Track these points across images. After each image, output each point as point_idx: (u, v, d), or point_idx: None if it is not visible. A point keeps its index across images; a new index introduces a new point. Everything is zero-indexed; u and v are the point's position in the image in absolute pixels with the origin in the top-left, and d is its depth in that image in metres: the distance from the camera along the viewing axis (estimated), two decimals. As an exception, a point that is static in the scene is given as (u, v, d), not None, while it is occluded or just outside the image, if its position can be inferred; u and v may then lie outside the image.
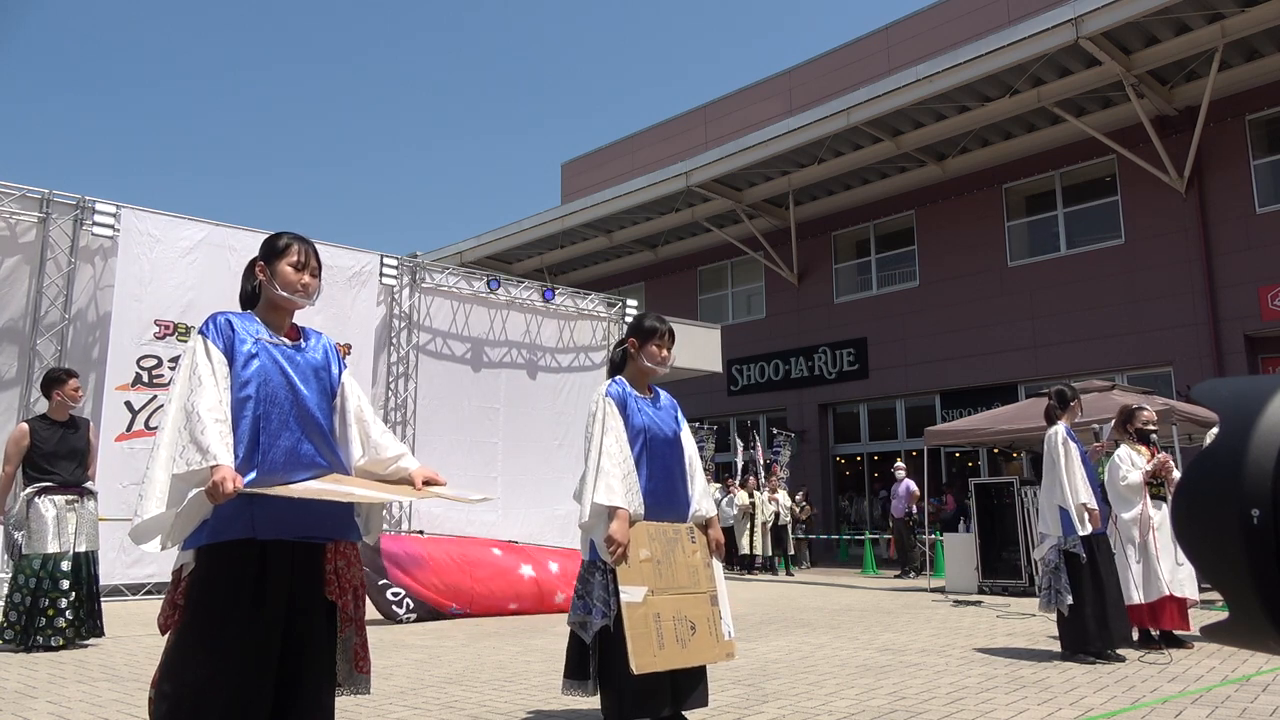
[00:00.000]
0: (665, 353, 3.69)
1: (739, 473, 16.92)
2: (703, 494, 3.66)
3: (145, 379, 9.46)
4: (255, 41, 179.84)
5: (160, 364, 9.52)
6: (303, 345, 2.73)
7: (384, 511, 3.29)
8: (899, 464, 15.08)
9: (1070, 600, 5.58)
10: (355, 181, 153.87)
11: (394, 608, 7.75)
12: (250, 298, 2.75)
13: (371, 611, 6.39)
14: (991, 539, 10.83)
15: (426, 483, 2.71)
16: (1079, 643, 5.56)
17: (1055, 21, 13.57)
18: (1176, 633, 6.03)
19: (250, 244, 9.20)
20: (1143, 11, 12.85)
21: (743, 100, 21.90)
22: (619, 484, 3.33)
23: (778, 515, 15.42)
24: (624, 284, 23.21)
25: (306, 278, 2.72)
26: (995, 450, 15.10)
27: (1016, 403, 12.85)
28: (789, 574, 14.98)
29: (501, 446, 12.41)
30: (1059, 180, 16.53)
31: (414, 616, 7.79)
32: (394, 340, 11.91)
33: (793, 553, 15.73)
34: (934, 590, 11.16)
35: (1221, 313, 14.26)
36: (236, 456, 2.44)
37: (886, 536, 16.52)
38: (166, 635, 2.47)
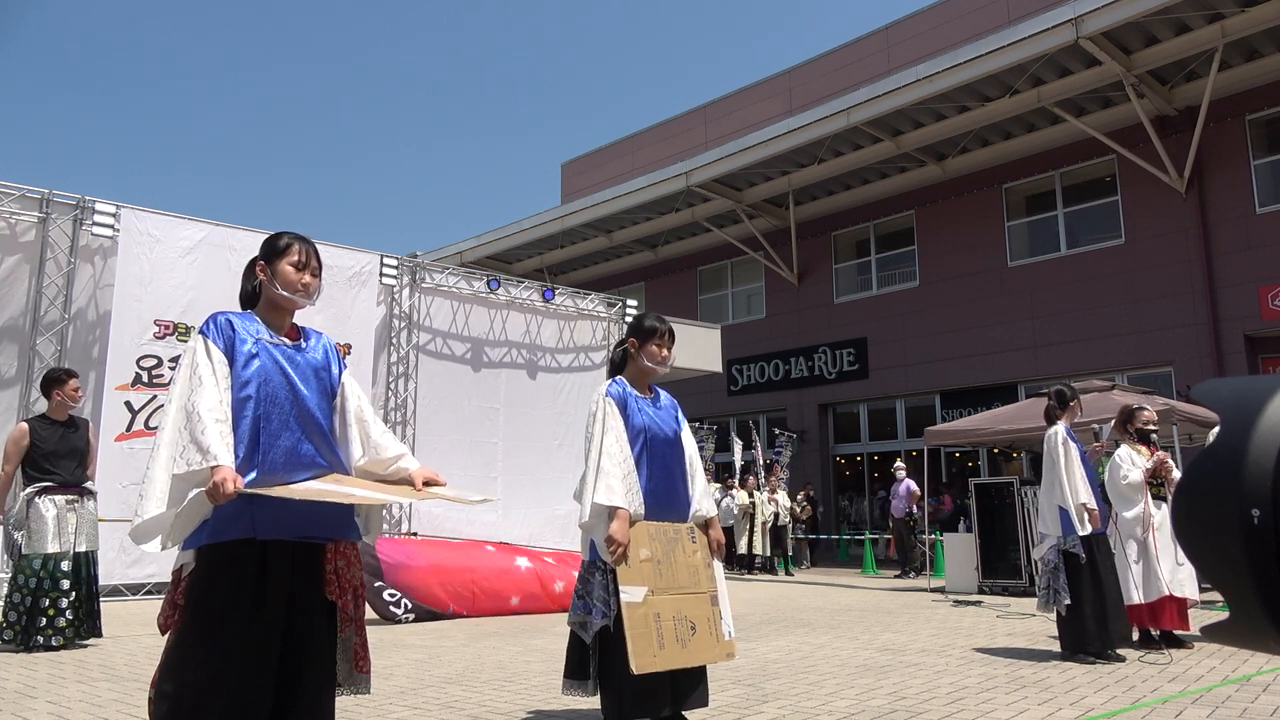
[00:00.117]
0: (665, 352, 3.69)
1: (737, 473, 16.92)
2: (703, 494, 3.66)
3: (145, 379, 9.46)
4: (255, 41, 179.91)
5: (160, 364, 9.52)
6: (303, 345, 2.73)
7: (384, 512, 3.29)
8: (899, 464, 15.09)
9: (1068, 600, 5.58)
10: (355, 181, 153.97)
11: (391, 608, 7.75)
12: (250, 297, 2.75)
13: (369, 613, 6.38)
14: (991, 539, 10.83)
15: (427, 483, 2.71)
16: (1079, 643, 5.56)
17: (1055, 21, 13.57)
18: (1176, 633, 6.03)
19: (250, 244, 9.20)
20: (1143, 11, 12.85)
21: (743, 100, 21.90)
22: (619, 484, 3.33)
23: (777, 515, 15.43)
24: (624, 284, 23.21)
25: (307, 277, 2.72)
26: (995, 450, 15.10)
27: (1016, 403, 12.85)
28: (787, 574, 14.98)
29: (501, 446, 12.41)
30: (1059, 180, 16.53)
31: (412, 617, 7.79)
32: (394, 340, 11.91)
33: (791, 553, 15.73)
34: (934, 590, 11.16)
35: (1221, 313, 14.26)
36: (237, 456, 2.44)
37: (886, 537, 16.52)
38: (166, 635, 2.47)
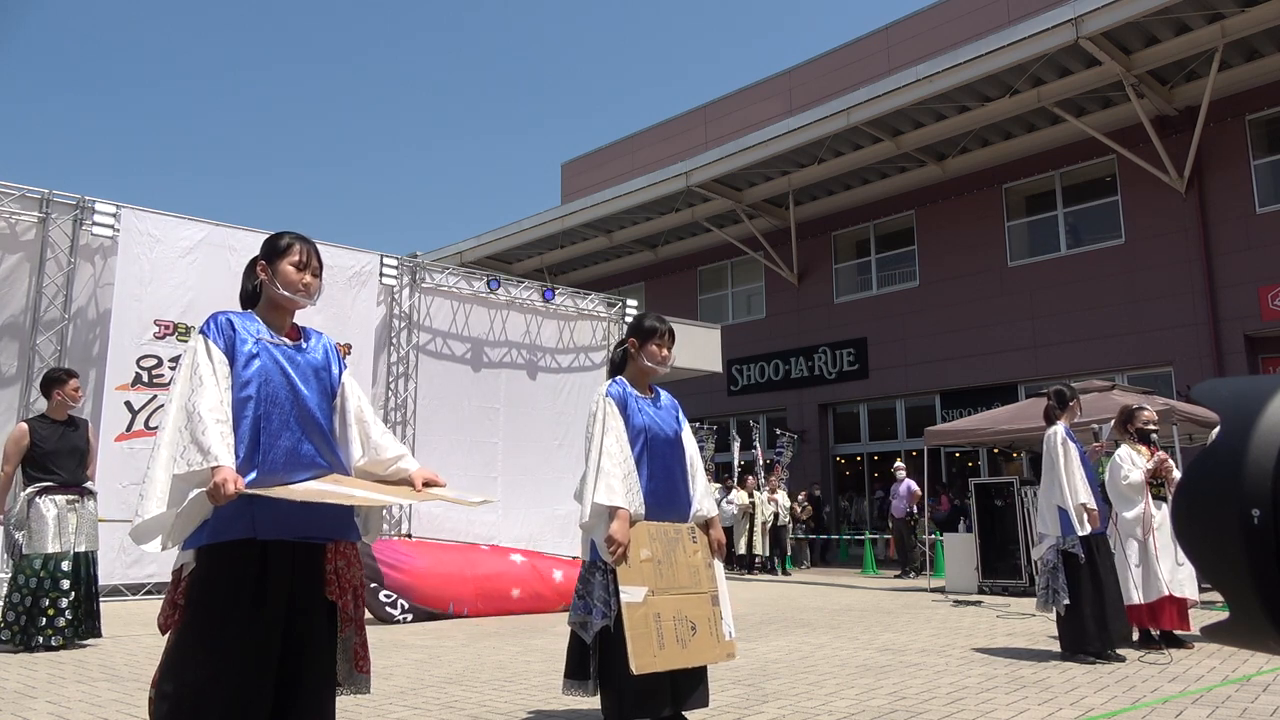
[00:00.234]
0: (665, 352, 3.69)
1: (736, 473, 16.91)
2: (704, 494, 3.66)
3: (145, 379, 9.46)
4: (255, 41, 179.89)
5: (160, 364, 9.52)
6: (303, 345, 2.73)
7: (383, 512, 3.30)
8: (899, 464, 15.09)
9: (1067, 600, 5.58)
10: (355, 181, 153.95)
11: (388, 609, 7.75)
12: (251, 297, 2.75)
13: (367, 615, 6.38)
14: (991, 539, 10.83)
15: (426, 484, 2.70)
16: (1078, 643, 5.56)
17: (1055, 21, 13.57)
18: (1176, 633, 6.03)
19: (250, 244, 9.20)
20: (1143, 11, 12.86)
21: (743, 100, 21.90)
22: (619, 484, 3.33)
23: (777, 515, 15.43)
24: (624, 284, 23.21)
25: (308, 277, 2.72)
26: (995, 450, 15.10)
27: (1016, 403, 12.86)
28: (786, 573, 14.99)
29: (501, 447, 12.41)
30: (1059, 180, 16.53)
31: (410, 618, 7.79)
32: (394, 340, 11.91)
33: (790, 553, 15.73)
34: (934, 590, 11.16)
35: (1221, 313, 14.26)
36: (237, 456, 2.44)
37: (886, 537, 16.52)
38: (166, 635, 2.47)
